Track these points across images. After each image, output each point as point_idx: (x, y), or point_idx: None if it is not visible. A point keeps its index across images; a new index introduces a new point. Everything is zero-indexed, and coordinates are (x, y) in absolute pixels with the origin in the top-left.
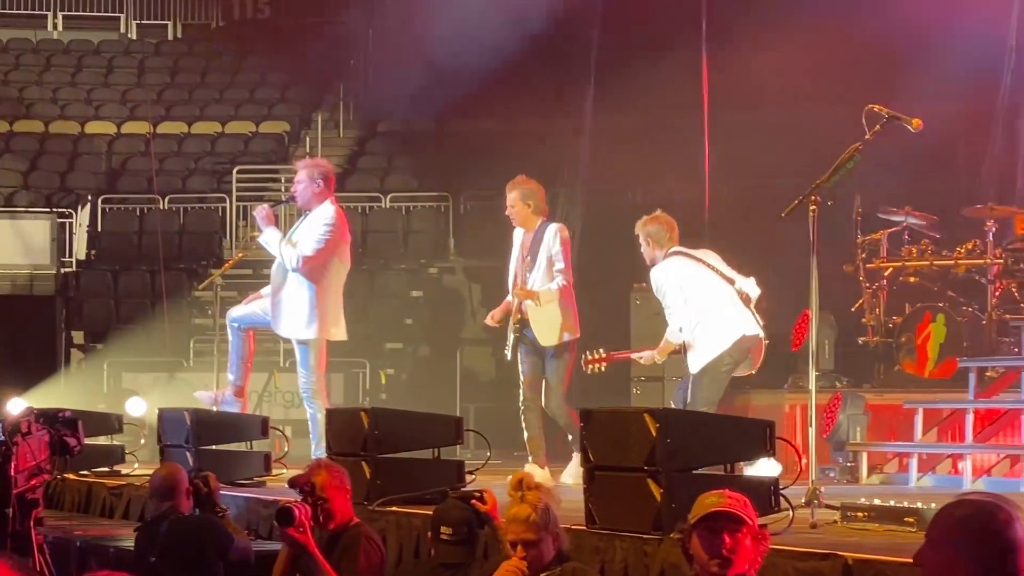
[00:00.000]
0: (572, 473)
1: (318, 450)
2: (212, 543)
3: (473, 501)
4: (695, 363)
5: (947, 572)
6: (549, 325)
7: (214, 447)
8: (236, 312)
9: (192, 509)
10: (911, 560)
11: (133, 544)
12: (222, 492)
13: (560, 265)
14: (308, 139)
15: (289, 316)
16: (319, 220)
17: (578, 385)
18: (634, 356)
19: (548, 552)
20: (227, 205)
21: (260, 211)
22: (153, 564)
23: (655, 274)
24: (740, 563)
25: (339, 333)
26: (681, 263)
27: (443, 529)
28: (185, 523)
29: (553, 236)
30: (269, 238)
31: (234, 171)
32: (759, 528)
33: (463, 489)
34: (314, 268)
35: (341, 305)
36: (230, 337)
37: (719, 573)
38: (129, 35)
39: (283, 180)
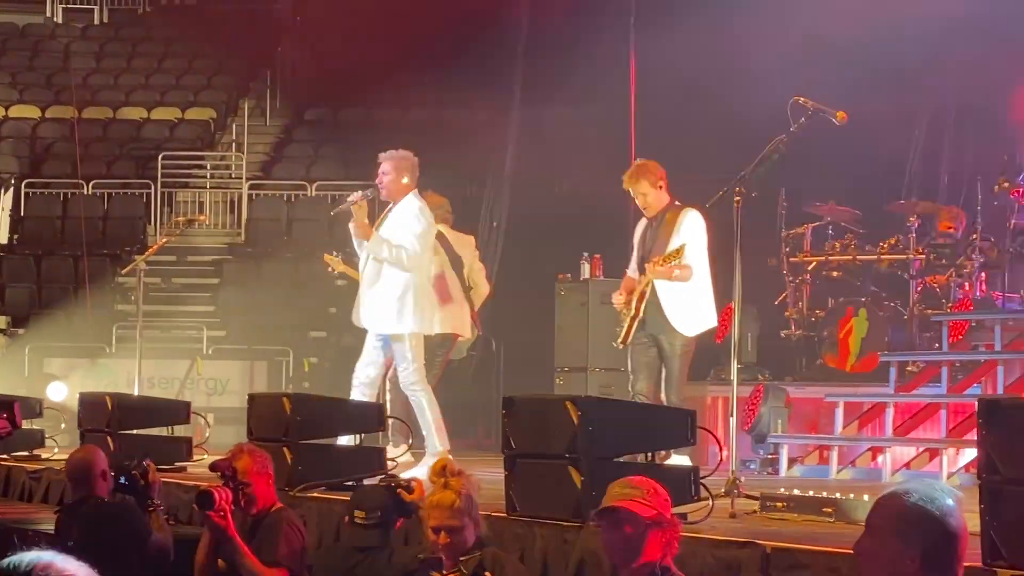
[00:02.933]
0: None
1: (430, 442)
2: (129, 532)
3: (399, 490)
4: (690, 327)
5: (888, 561)
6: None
7: (135, 432)
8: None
9: (112, 493)
10: (828, 549)
11: (53, 527)
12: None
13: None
14: (235, 126)
15: (381, 311)
16: (409, 213)
17: (502, 374)
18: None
19: (469, 538)
20: (152, 191)
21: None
22: (70, 548)
23: (696, 218)
24: (649, 552)
25: (436, 325)
26: None
27: (357, 513)
28: (104, 508)
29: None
30: (373, 247)
31: (159, 157)
32: (668, 516)
33: (393, 476)
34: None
35: (435, 296)
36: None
37: (621, 564)
38: (55, 19)
39: (208, 167)
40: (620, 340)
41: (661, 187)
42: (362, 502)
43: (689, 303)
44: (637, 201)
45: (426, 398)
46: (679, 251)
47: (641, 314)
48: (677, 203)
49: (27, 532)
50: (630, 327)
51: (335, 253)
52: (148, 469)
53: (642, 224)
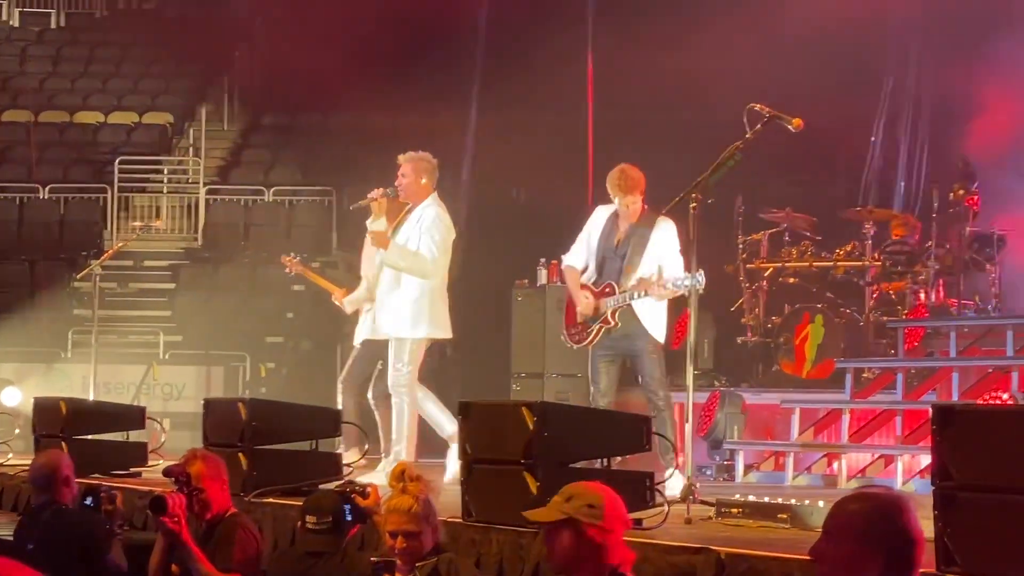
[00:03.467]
0: None
1: (398, 448)
2: (90, 543)
3: (354, 495)
4: (662, 332)
5: (847, 565)
6: None
7: (89, 437)
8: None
9: (75, 499)
10: (783, 554)
11: (13, 532)
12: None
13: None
14: (192, 131)
15: (396, 314)
16: (428, 217)
17: (458, 381)
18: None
19: (427, 543)
20: (108, 196)
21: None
22: (29, 552)
23: (670, 226)
24: (595, 560)
25: (446, 331)
26: None
27: (308, 518)
28: (67, 516)
29: None
30: (390, 258)
31: (116, 162)
32: (616, 523)
33: (350, 483)
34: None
35: (447, 301)
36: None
37: (559, 572)
38: (11, 22)
39: (166, 172)
40: (585, 344)
41: (641, 197)
42: (314, 507)
43: (661, 310)
44: (621, 209)
45: (409, 404)
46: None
47: (619, 325)
48: (647, 209)
49: None
50: (598, 334)
51: (293, 255)
52: (115, 497)
53: (601, 216)
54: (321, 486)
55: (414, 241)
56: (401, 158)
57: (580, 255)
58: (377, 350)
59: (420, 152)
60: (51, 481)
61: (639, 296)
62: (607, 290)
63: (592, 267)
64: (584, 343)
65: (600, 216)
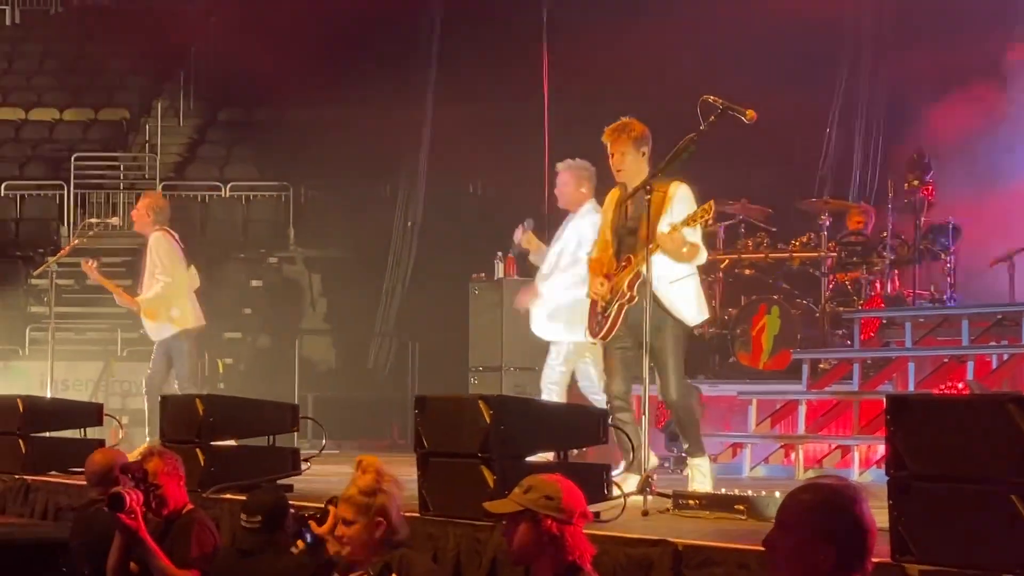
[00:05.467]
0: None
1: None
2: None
3: (310, 520)
4: (693, 315)
5: (800, 555)
6: None
7: (47, 434)
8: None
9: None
10: (739, 545)
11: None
12: None
13: None
14: (148, 127)
15: (560, 318)
16: (589, 224)
17: (416, 374)
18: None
19: (368, 538)
20: (65, 192)
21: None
22: (75, 548)
23: (689, 191)
24: (552, 552)
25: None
26: None
27: (242, 515)
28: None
29: None
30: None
31: (72, 158)
32: (572, 515)
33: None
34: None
35: None
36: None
37: (520, 563)
38: None
39: (122, 168)
40: (603, 333)
41: (644, 154)
42: (247, 506)
43: (692, 287)
44: (611, 160)
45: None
46: (696, 216)
47: (636, 298)
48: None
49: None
50: (618, 316)
51: (90, 261)
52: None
53: (613, 200)
54: (278, 482)
55: (573, 246)
56: (560, 166)
57: (596, 246)
58: None
59: (578, 160)
60: (104, 479)
61: (652, 255)
62: (624, 264)
63: (612, 255)
64: (604, 331)
65: (611, 199)
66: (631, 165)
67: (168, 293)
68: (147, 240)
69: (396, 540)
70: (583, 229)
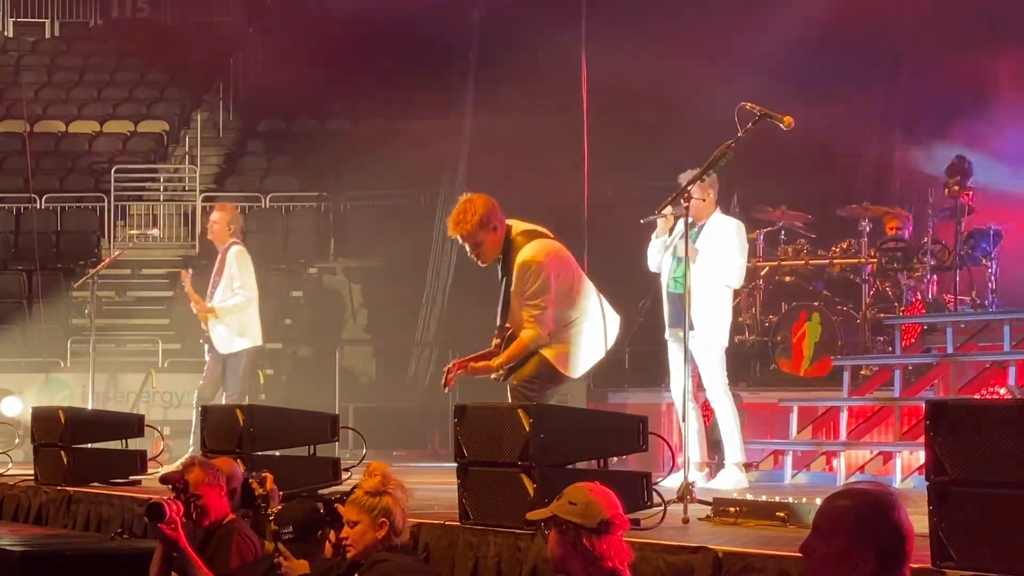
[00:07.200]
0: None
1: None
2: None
3: (335, 504)
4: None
5: (838, 561)
6: None
7: (89, 446)
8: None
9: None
10: (780, 552)
11: None
12: None
13: None
14: (188, 139)
15: (708, 321)
16: (729, 230)
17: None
18: None
19: (369, 539)
20: (105, 205)
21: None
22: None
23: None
24: (591, 559)
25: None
26: None
27: (274, 526)
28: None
29: None
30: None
31: (112, 170)
32: (610, 523)
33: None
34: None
35: None
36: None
37: (560, 570)
38: (6, 33)
39: (162, 180)
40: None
41: (495, 228)
42: (279, 516)
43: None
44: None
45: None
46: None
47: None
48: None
49: None
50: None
51: (188, 270)
52: (265, 480)
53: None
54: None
55: (715, 252)
56: (682, 177)
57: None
58: None
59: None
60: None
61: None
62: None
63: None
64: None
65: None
66: (489, 250)
67: (246, 307)
68: (219, 252)
69: (396, 544)
70: (727, 237)
